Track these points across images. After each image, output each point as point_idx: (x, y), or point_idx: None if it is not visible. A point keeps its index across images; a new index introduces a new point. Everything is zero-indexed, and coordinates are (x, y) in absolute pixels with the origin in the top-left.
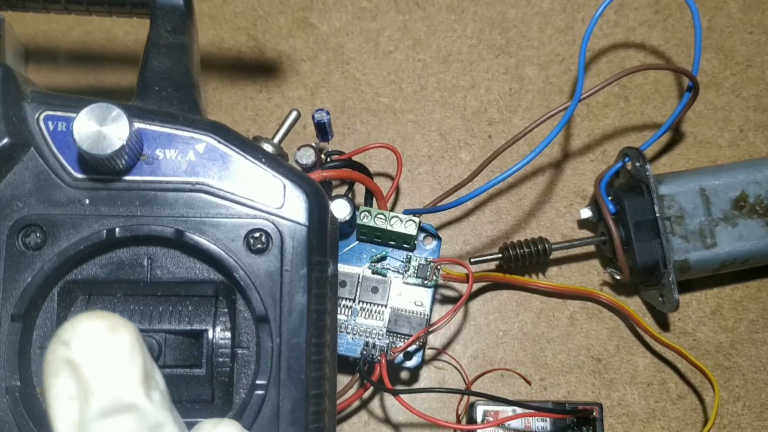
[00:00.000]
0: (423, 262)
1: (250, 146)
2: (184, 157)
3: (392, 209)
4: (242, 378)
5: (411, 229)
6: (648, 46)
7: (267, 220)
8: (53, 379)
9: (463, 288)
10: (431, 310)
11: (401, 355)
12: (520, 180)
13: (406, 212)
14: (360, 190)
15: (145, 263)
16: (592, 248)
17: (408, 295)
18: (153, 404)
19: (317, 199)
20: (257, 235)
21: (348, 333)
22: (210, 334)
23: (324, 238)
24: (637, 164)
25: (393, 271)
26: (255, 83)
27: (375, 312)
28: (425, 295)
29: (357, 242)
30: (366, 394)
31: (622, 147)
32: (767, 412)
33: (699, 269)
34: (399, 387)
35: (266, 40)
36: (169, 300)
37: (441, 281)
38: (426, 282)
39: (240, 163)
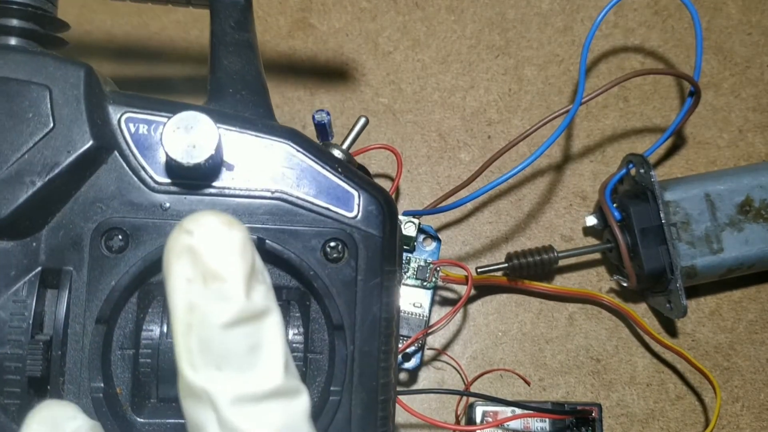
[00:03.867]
0: (422, 263)
1: (325, 154)
2: (263, 164)
3: None
4: (314, 381)
5: (410, 231)
6: (647, 47)
7: (343, 230)
8: (174, 262)
9: (462, 289)
10: (430, 311)
11: (400, 356)
12: (519, 181)
13: (406, 213)
14: None
15: None
16: (597, 255)
17: (407, 297)
18: (259, 294)
19: (389, 209)
20: (333, 244)
21: None
22: None
23: (395, 248)
24: (642, 171)
25: None
26: None
27: None
28: (424, 296)
29: None
30: None
31: (622, 148)
32: (766, 413)
33: (706, 275)
34: (398, 388)
35: (266, 40)
36: None
37: (440, 283)
38: (425, 283)
39: (316, 171)
